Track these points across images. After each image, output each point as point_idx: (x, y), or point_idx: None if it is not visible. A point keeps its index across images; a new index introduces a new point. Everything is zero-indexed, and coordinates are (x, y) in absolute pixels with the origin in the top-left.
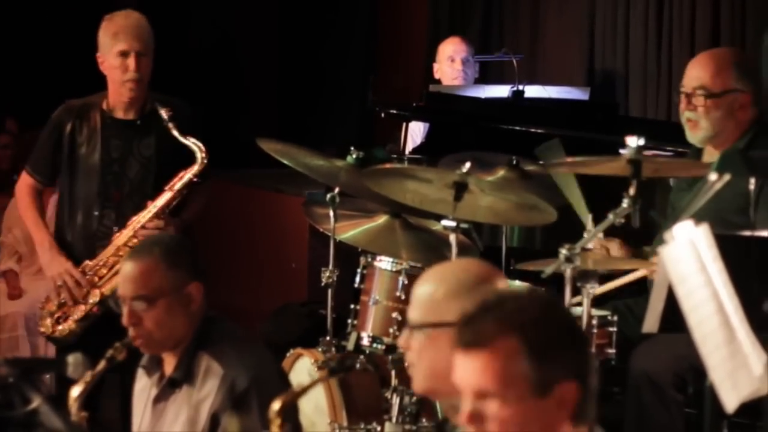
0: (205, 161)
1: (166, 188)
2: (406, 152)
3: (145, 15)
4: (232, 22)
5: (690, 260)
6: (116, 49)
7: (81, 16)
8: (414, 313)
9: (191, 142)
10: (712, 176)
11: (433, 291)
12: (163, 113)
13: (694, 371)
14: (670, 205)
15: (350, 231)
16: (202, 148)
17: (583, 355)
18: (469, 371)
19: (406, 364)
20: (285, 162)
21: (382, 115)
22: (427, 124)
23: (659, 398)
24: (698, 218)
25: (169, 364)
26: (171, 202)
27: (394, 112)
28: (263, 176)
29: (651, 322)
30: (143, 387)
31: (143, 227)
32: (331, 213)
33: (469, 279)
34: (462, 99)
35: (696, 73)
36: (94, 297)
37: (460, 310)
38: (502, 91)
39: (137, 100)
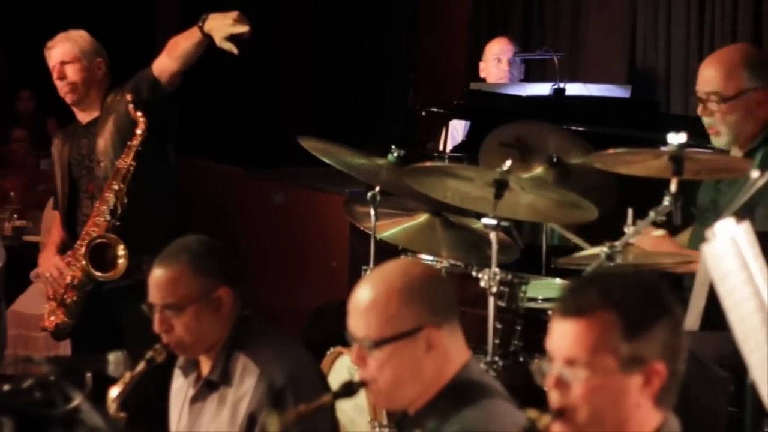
0: (143, 127)
1: (117, 164)
2: (447, 150)
3: (183, 13)
4: (272, 22)
5: (731, 258)
6: (50, 65)
7: (122, 17)
8: (366, 329)
9: (132, 113)
10: (755, 173)
11: (384, 302)
12: (128, 98)
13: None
14: (701, 202)
15: (391, 229)
16: (140, 116)
17: (677, 339)
18: (563, 338)
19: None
20: (326, 160)
21: (423, 113)
22: (468, 122)
23: (703, 376)
24: (739, 215)
25: (206, 364)
26: (126, 175)
27: (435, 110)
28: (304, 175)
29: (692, 320)
30: (180, 387)
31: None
32: (372, 211)
33: (415, 282)
34: (503, 97)
35: (708, 77)
36: (68, 284)
37: (416, 315)
38: (543, 88)
39: (88, 103)
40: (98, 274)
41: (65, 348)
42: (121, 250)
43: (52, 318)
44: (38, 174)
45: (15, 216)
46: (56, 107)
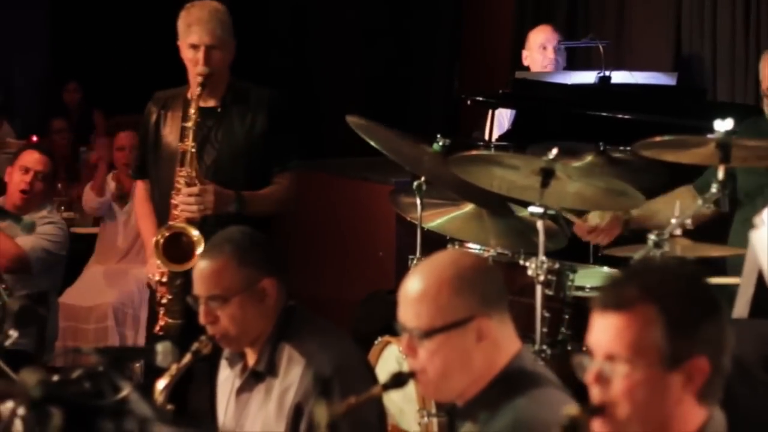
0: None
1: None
2: (493, 139)
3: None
4: (316, 11)
5: None
6: (188, 41)
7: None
8: (416, 319)
9: None
10: None
11: (435, 292)
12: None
13: None
14: (740, 189)
15: (437, 219)
16: None
17: (720, 334)
18: (603, 333)
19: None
20: (371, 143)
21: (468, 102)
22: (514, 111)
23: (745, 379)
24: None
25: (251, 355)
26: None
27: (481, 99)
28: (349, 165)
29: (741, 307)
30: (226, 378)
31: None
32: (418, 201)
33: (465, 272)
34: (549, 85)
35: None
36: (158, 282)
37: (466, 305)
38: (588, 77)
39: (214, 90)
40: (175, 266)
41: (114, 339)
42: (195, 237)
43: (161, 322)
44: (81, 164)
45: (62, 207)
46: (102, 99)
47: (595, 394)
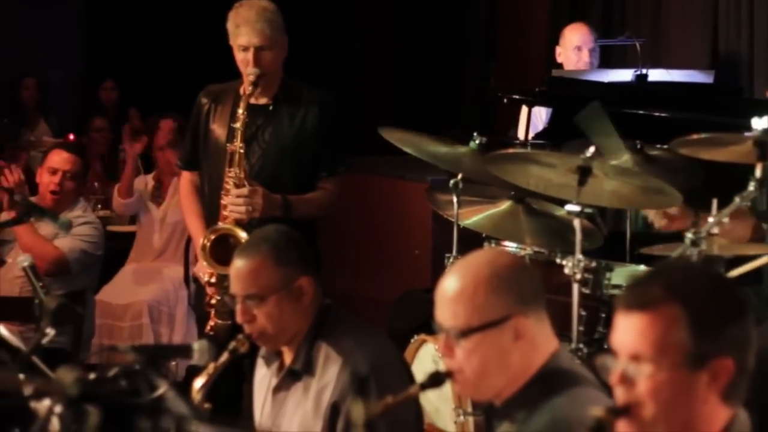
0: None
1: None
2: (529, 137)
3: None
4: (352, 10)
5: None
6: (238, 42)
7: (204, 4)
8: (454, 318)
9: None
10: None
11: (472, 291)
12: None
13: None
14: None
15: (473, 217)
16: None
17: (745, 333)
18: (627, 333)
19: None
20: (407, 150)
21: (504, 100)
22: (550, 109)
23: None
24: None
25: (288, 354)
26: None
27: (517, 97)
28: (385, 163)
29: None
30: (263, 376)
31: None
32: (455, 199)
33: (502, 271)
34: (585, 83)
35: None
36: (207, 282)
37: (504, 304)
38: (625, 75)
39: (267, 88)
40: (221, 268)
41: (149, 337)
42: (242, 238)
43: (211, 323)
44: (118, 163)
45: (99, 206)
46: (138, 97)
47: (620, 394)
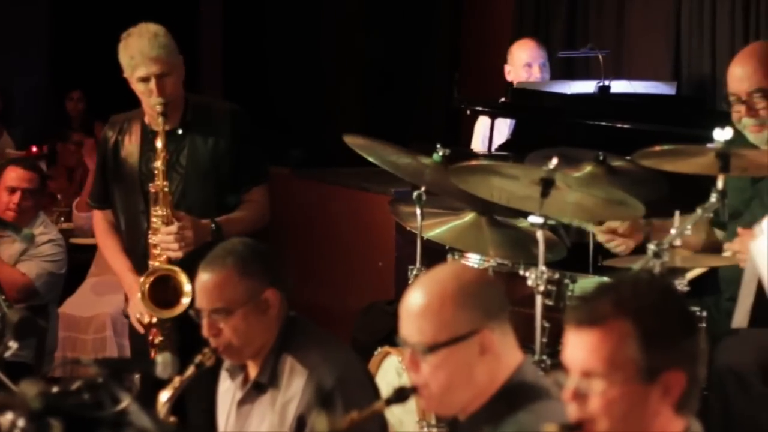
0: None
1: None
2: (492, 149)
3: (226, 14)
4: (316, 20)
5: None
6: (136, 75)
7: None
8: (420, 334)
9: None
10: None
11: (438, 307)
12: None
13: None
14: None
15: (437, 229)
16: None
17: (694, 345)
18: (578, 349)
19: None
20: (370, 159)
21: (468, 112)
22: (513, 121)
23: (745, 392)
24: None
25: (253, 367)
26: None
27: (480, 108)
28: (349, 175)
29: (740, 317)
30: (227, 389)
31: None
32: (418, 211)
33: (468, 286)
34: (548, 95)
35: (746, 76)
36: (148, 324)
37: (470, 319)
38: (587, 86)
39: (172, 113)
40: (164, 311)
41: (113, 350)
42: (182, 279)
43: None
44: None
45: (62, 219)
46: (105, 109)
47: (573, 411)
